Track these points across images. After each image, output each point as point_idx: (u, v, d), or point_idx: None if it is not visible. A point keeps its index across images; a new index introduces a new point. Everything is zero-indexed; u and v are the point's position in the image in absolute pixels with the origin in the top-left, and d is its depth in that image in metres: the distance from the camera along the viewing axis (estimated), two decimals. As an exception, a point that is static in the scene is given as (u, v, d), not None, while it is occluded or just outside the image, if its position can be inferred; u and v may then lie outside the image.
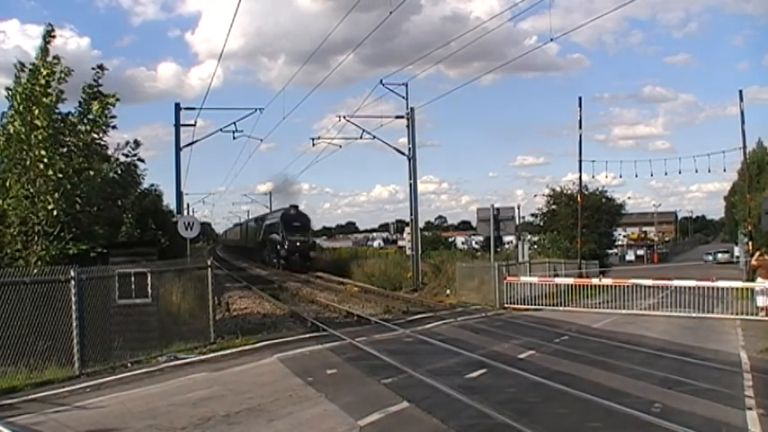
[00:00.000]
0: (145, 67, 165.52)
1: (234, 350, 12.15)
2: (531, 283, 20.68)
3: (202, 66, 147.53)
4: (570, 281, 21.33)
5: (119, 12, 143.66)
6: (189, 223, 18.50)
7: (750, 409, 7.44)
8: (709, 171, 32.66)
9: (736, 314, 16.63)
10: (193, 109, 28.93)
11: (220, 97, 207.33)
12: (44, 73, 11.73)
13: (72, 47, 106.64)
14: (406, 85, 29.64)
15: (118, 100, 12.74)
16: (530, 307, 19.23)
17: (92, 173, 12.59)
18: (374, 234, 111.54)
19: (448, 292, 24.34)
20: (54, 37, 12.33)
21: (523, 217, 46.41)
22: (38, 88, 11.70)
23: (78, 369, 10.25)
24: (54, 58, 12.03)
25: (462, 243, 58.81)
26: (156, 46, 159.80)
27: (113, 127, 12.99)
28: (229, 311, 19.48)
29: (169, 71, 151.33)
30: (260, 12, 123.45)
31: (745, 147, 27.21)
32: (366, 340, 12.64)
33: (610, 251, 41.00)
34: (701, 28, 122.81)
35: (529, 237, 32.59)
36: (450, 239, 58.22)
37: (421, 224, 36.29)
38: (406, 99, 29.90)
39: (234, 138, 30.30)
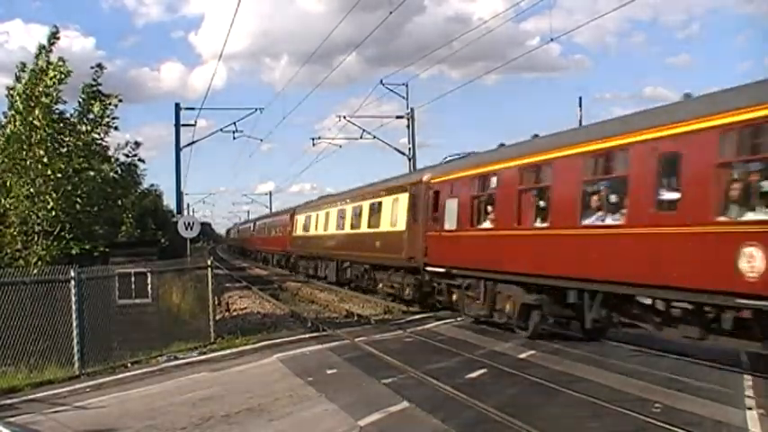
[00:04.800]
0: (148, 67, 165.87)
1: (234, 350, 12.16)
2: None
3: (206, 66, 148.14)
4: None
5: (123, 12, 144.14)
6: (189, 223, 18.48)
7: (750, 408, 7.43)
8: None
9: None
10: (194, 109, 29.01)
11: (224, 98, 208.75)
12: (51, 75, 11.75)
13: (76, 47, 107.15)
14: (407, 86, 29.32)
15: (121, 101, 12.78)
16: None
17: (92, 173, 12.62)
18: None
19: None
20: (58, 39, 12.38)
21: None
22: (40, 89, 11.72)
23: (78, 369, 10.27)
24: (60, 60, 12.05)
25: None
26: (160, 46, 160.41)
27: (115, 128, 13.03)
28: (229, 311, 19.50)
29: (172, 72, 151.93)
30: (264, 12, 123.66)
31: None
32: (366, 340, 12.64)
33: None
34: (702, 29, 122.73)
35: None
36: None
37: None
38: (407, 99, 29.70)
39: (234, 138, 30.40)
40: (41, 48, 12.07)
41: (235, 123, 29.83)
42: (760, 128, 7.78)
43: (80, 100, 12.54)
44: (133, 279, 11.70)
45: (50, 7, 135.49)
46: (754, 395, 8.01)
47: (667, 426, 6.70)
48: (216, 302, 15.26)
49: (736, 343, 8.56)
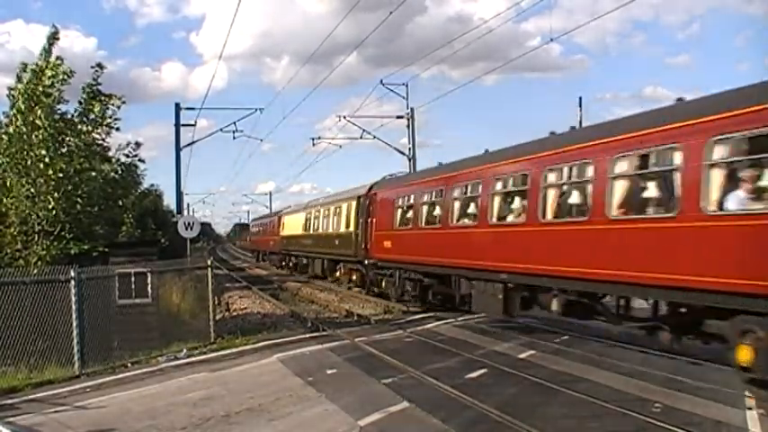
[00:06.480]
0: (150, 67, 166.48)
1: (234, 350, 12.16)
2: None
3: (207, 66, 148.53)
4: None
5: (124, 13, 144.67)
6: (189, 223, 18.47)
7: (750, 408, 7.44)
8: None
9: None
10: (194, 109, 28.93)
11: (224, 98, 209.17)
12: (48, 74, 11.75)
13: (78, 47, 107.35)
14: (407, 86, 29.38)
15: (124, 102, 12.78)
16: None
17: (93, 173, 12.61)
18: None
19: None
20: (58, 39, 12.39)
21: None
22: (41, 88, 11.73)
23: (78, 369, 10.27)
24: (57, 58, 12.05)
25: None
26: (161, 47, 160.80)
27: (117, 129, 13.04)
28: (229, 311, 19.50)
29: (173, 72, 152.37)
30: (265, 13, 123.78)
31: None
32: (366, 340, 12.64)
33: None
34: (702, 29, 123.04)
35: None
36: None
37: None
38: (407, 99, 29.74)
39: (234, 138, 30.34)
40: (43, 50, 12.10)
41: (235, 123, 29.77)
42: None
43: (81, 100, 12.55)
44: (133, 279, 11.68)
45: (52, 7, 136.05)
46: (755, 395, 8.01)
47: (667, 426, 6.71)
48: (216, 302, 15.26)
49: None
